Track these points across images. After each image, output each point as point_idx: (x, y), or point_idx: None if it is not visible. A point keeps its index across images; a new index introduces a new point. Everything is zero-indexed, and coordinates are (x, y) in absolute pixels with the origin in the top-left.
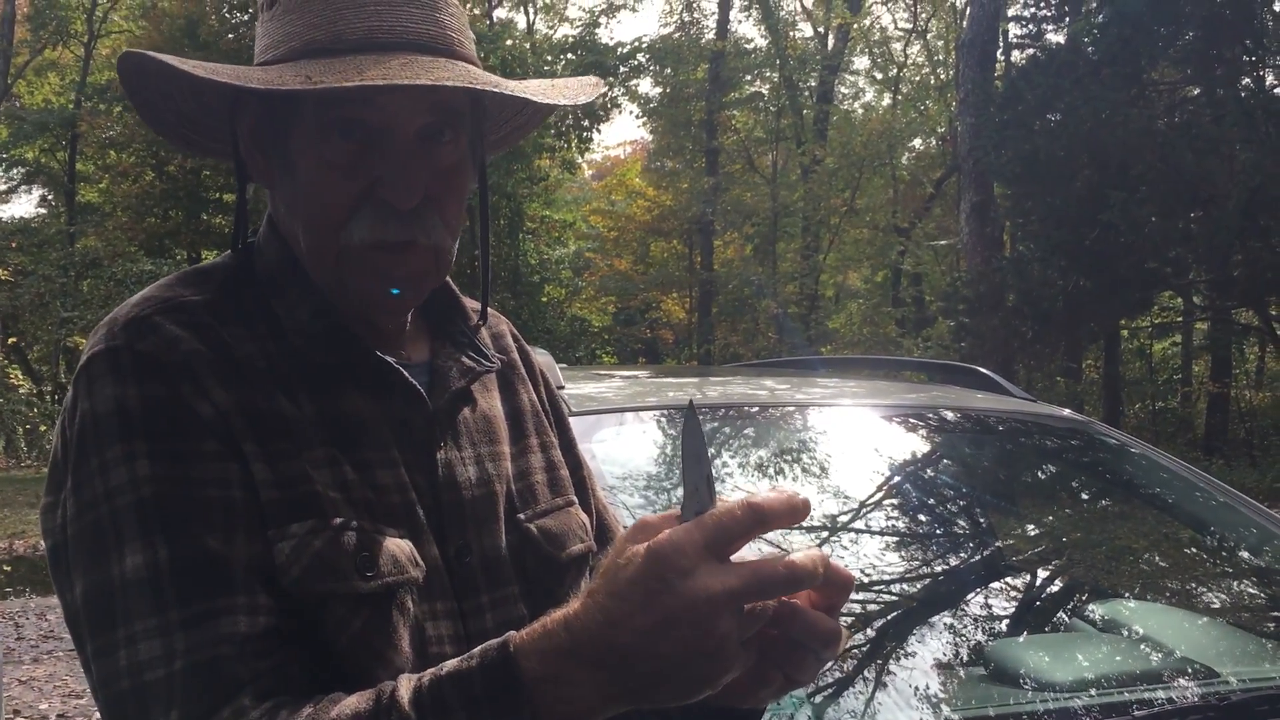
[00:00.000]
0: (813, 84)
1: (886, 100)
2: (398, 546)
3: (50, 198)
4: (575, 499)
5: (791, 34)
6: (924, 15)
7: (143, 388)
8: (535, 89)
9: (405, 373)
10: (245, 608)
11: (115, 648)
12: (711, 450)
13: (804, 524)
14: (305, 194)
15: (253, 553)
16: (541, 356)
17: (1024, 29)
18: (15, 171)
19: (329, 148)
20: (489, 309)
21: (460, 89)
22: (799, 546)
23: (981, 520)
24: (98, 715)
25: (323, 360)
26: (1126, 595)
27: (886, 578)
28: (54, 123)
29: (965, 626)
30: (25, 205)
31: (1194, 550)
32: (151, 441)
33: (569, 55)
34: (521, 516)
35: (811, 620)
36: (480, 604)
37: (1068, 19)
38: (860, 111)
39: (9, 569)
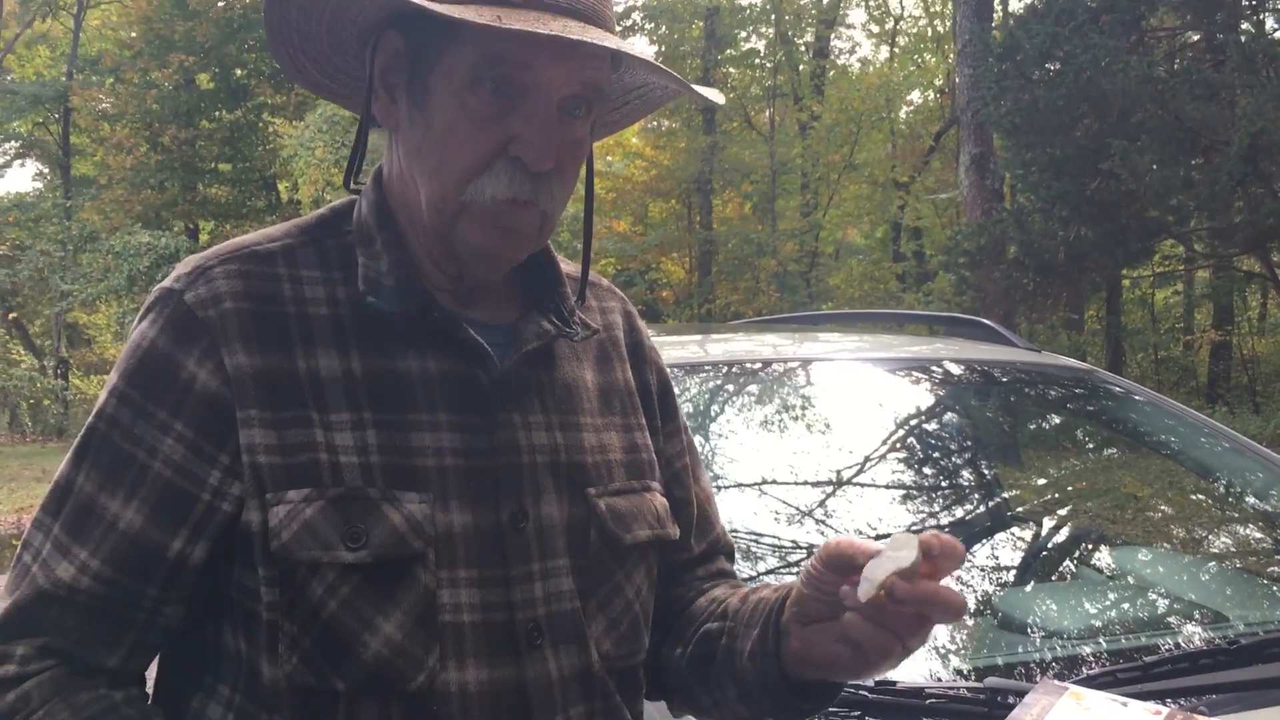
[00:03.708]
0: (809, 39)
1: (883, 54)
2: (405, 515)
3: (45, 172)
4: (655, 485)
5: None
6: None
7: (159, 337)
8: (698, 87)
9: (470, 330)
10: (81, 562)
11: (35, 521)
12: (715, 408)
13: (811, 480)
14: (439, 139)
15: (140, 527)
16: None
17: None
18: (9, 146)
19: (476, 99)
20: (609, 285)
21: (616, 54)
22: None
23: (987, 471)
24: None
25: (387, 310)
26: (1134, 542)
27: (894, 530)
28: (46, 96)
29: (973, 577)
30: (21, 180)
31: (1200, 496)
32: (131, 387)
33: None
34: (592, 490)
35: (945, 597)
36: (530, 571)
37: None
38: (857, 66)
39: (16, 543)
